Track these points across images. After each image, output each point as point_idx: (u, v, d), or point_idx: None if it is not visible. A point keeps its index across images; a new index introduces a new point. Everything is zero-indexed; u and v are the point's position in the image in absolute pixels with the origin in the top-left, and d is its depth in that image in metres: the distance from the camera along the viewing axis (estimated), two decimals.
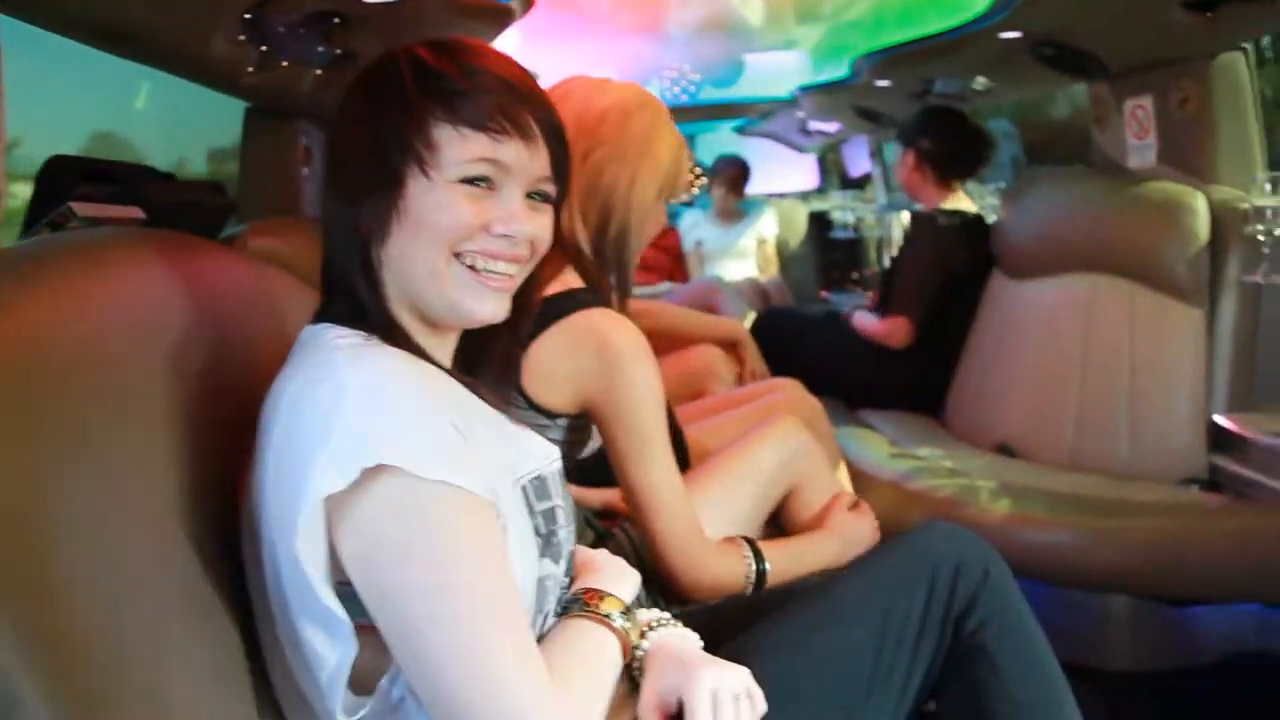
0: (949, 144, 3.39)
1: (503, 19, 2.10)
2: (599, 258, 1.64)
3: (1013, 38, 2.73)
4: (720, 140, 6.18)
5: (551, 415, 1.58)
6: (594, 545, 1.71)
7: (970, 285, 3.23)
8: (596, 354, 1.52)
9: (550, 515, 1.08)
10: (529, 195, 1.06)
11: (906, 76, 3.59)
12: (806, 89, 4.42)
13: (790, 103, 4.78)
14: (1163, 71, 2.65)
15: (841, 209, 5.44)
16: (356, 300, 1.04)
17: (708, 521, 1.70)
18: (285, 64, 1.86)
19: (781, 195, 5.86)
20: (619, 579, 1.16)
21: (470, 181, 1.02)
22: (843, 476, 2.40)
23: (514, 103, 1.03)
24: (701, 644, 1.17)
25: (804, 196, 5.86)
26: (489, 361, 1.17)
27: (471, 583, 0.92)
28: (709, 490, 1.79)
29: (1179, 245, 2.52)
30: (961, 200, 3.42)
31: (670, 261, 5.51)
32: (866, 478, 2.66)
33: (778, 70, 4.30)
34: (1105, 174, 2.96)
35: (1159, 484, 2.50)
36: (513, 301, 1.10)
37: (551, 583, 1.08)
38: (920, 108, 3.54)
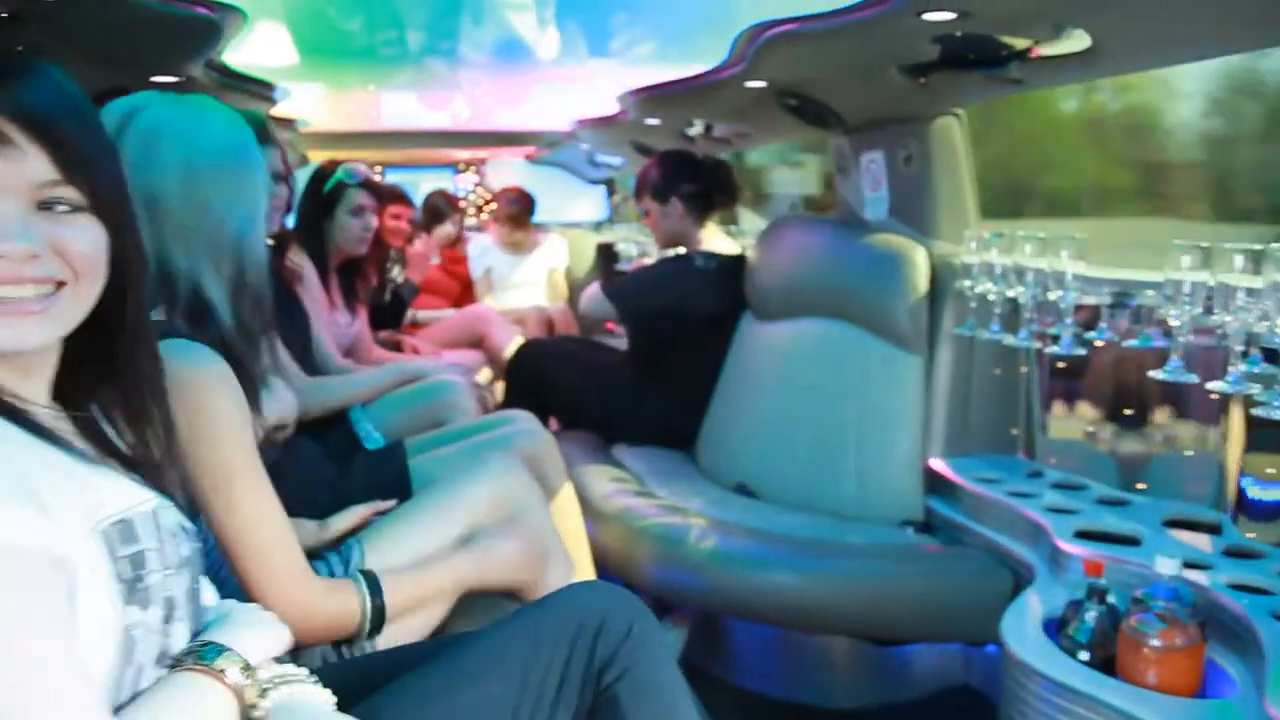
0: (707, 184, 3.43)
1: (209, 34, 1.99)
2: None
3: (759, 86, 2.79)
4: (512, 168, 6.15)
5: None
6: None
7: (725, 324, 3.27)
8: (171, 388, 1.43)
9: (138, 560, 0.99)
10: (46, 206, 0.95)
11: (665, 115, 3.63)
12: (584, 122, 4.42)
13: (572, 135, 4.78)
14: (891, 129, 2.77)
15: (626, 240, 5.47)
16: None
17: (419, 555, 1.69)
18: None
19: (578, 224, 5.86)
20: (249, 633, 1.09)
21: None
22: (572, 510, 2.39)
23: None
24: (334, 701, 1.12)
25: (595, 227, 5.88)
26: (121, 390, 1.08)
27: (10, 645, 0.83)
28: (420, 523, 1.79)
29: (902, 295, 2.63)
30: (718, 235, 3.47)
31: (459, 288, 5.41)
32: (597, 514, 2.65)
33: (575, 100, 4.27)
34: (845, 223, 3.06)
35: (879, 525, 2.58)
36: (116, 320, 1.03)
37: (141, 631, 0.99)
38: (659, 156, 3.54)
